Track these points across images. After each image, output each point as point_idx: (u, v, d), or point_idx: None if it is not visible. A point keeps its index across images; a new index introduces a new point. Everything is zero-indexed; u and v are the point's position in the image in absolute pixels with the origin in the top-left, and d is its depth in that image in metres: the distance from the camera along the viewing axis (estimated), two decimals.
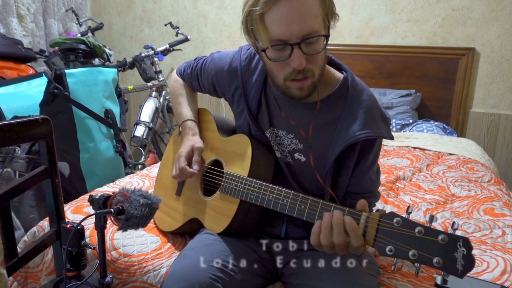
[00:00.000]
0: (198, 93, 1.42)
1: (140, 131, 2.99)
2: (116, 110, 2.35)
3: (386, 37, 3.03)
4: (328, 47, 0.99)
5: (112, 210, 0.90)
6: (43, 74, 2.37)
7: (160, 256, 1.21)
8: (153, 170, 1.91)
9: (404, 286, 1.10)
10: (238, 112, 1.21)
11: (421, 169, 2.16)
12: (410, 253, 0.76)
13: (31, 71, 2.50)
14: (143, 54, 3.05)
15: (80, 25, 3.38)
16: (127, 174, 2.39)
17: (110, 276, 0.95)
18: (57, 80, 2.05)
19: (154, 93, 3.24)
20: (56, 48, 2.70)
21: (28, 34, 3.10)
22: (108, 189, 1.66)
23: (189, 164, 1.19)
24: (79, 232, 0.98)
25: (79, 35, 3.17)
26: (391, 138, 1.07)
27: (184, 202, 1.28)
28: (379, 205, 1.66)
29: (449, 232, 0.75)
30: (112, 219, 0.93)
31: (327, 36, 0.96)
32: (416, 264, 0.77)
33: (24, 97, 2.13)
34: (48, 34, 3.33)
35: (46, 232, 1.19)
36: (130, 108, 3.77)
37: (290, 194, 0.98)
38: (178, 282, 0.97)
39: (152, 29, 3.68)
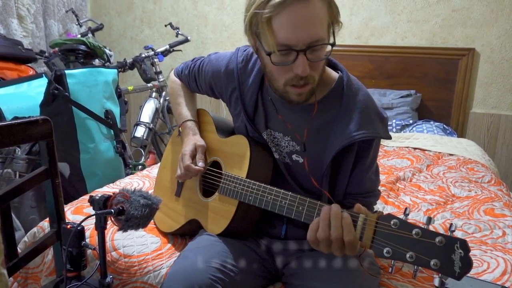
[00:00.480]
0: (198, 94, 1.42)
1: (140, 131, 2.99)
2: (116, 110, 2.35)
3: (386, 38, 3.04)
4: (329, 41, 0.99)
5: (112, 210, 0.90)
6: (43, 75, 2.38)
7: (160, 256, 1.21)
8: (153, 170, 1.91)
9: (404, 286, 1.10)
10: (236, 113, 1.21)
11: (421, 169, 2.16)
12: (408, 255, 0.75)
13: (31, 72, 2.50)
14: (143, 55, 3.05)
15: (80, 26, 3.38)
16: (127, 174, 2.39)
17: (111, 276, 0.95)
18: (57, 81, 2.05)
19: (154, 94, 3.24)
20: (56, 49, 2.70)
21: (28, 35, 3.11)
22: (108, 189, 1.66)
23: (194, 163, 1.19)
24: (80, 232, 0.98)
25: (79, 36, 3.17)
26: (389, 138, 1.07)
27: (183, 203, 1.28)
28: (379, 205, 1.66)
29: (447, 234, 0.75)
30: (113, 219, 0.93)
31: (332, 44, 0.96)
32: (415, 266, 0.77)
33: (24, 98, 2.14)
34: (48, 35, 3.34)
35: (46, 232, 1.19)
36: (130, 108, 3.77)
37: (288, 196, 0.98)
38: (178, 283, 0.97)
39: (152, 29, 3.68)
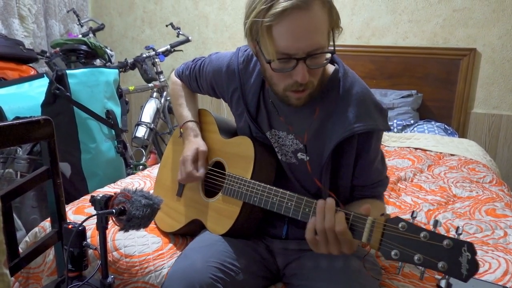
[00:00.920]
0: (199, 94, 1.41)
1: (141, 131, 3.00)
2: (117, 110, 2.35)
3: (387, 38, 3.03)
4: (329, 47, 0.99)
5: (113, 210, 0.91)
6: (45, 75, 2.38)
7: (161, 256, 1.21)
8: (154, 170, 1.91)
9: (405, 287, 1.10)
10: (238, 114, 1.21)
11: (423, 169, 2.15)
12: (415, 257, 0.77)
13: (32, 72, 2.50)
14: (144, 55, 3.05)
15: (81, 26, 3.38)
16: (128, 174, 2.39)
17: (112, 276, 0.95)
18: (59, 81, 2.05)
19: (155, 94, 3.25)
20: (58, 49, 2.70)
21: (30, 35, 3.11)
22: (110, 189, 1.66)
23: (195, 167, 1.19)
24: (81, 232, 0.98)
25: (80, 36, 3.17)
26: (388, 129, 1.07)
27: (185, 203, 1.28)
28: None
29: (453, 236, 0.75)
30: (114, 219, 0.93)
31: (332, 53, 0.96)
32: (421, 268, 0.78)
33: (25, 98, 2.14)
34: (49, 35, 3.34)
35: (48, 232, 1.19)
36: (131, 108, 3.77)
37: (294, 197, 0.98)
38: (178, 282, 0.97)
39: (153, 30, 3.69)
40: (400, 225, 0.80)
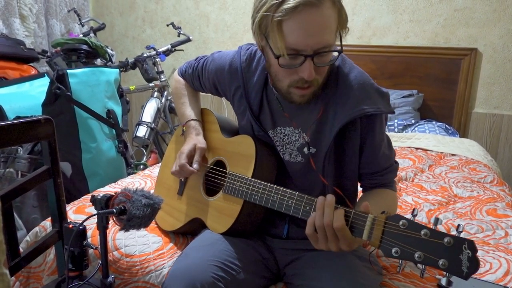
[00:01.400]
0: (200, 93, 1.42)
1: (142, 131, 3.00)
2: (118, 110, 2.35)
3: (388, 38, 3.03)
4: (335, 47, 0.99)
5: (114, 210, 0.91)
6: (45, 74, 2.38)
7: (162, 256, 1.21)
8: (155, 170, 1.91)
9: (406, 286, 1.10)
10: (240, 112, 1.21)
11: (424, 169, 2.15)
12: (416, 255, 0.77)
13: (33, 72, 2.50)
14: (145, 55, 3.05)
15: (82, 26, 3.39)
16: (129, 174, 2.39)
17: (112, 276, 0.95)
18: (59, 81, 2.06)
19: (156, 94, 3.25)
20: (58, 48, 2.70)
21: (31, 34, 3.11)
22: (110, 189, 1.66)
23: (190, 162, 1.20)
24: (81, 232, 0.98)
25: (81, 35, 3.18)
26: (391, 112, 1.06)
27: (186, 202, 1.28)
28: None
29: (454, 234, 0.75)
30: (114, 219, 0.93)
31: (340, 52, 0.97)
32: (422, 266, 0.78)
33: (26, 98, 2.14)
34: (50, 35, 3.34)
35: (48, 232, 1.19)
36: (132, 108, 3.77)
37: (294, 195, 0.98)
38: (179, 281, 0.97)
39: (154, 29, 3.69)
40: (400, 223, 0.80)
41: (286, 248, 1.16)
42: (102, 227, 0.92)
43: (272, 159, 1.16)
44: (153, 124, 3.07)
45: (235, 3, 3.39)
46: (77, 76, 2.10)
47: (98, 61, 2.91)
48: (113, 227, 1.28)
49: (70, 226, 0.99)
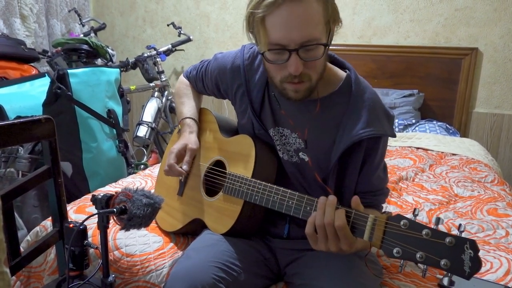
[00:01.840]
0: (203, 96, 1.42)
1: (142, 131, 3.00)
2: (118, 110, 2.35)
3: (388, 37, 3.03)
4: (330, 47, 0.99)
5: (114, 209, 0.91)
6: (46, 74, 2.38)
7: (162, 256, 1.21)
8: (155, 170, 1.91)
9: (407, 286, 1.10)
10: (241, 111, 1.21)
11: (424, 169, 2.15)
12: (418, 255, 0.76)
13: (34, 71, 2.50)
14: (145, 54, 3.05)
15: (83, 26, 3.39)
16: (129, 174, 2.40)
17: (113, 275, 0.95)
18: (60, 80, 2.06)
19: (156, 93, 3.25)
20: (59, 48, 2.70)
21: (31, 34, 3.11)
22: (111, 189, 1.66)
23: (180, 162, 1.20)
24: (82, 231, 0.98)
25: (81, 35, 3.18)
26: (394, 136, 1.07)
27: (186, 202, 1.28)
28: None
29: (456, 234, 0.75)
30: (115, 218, 0.93)
31: (326, 45, 0.95)
32: (423, 266, 0.78)
33: (27, 97, 2.14)
34: (51, 35, 3.34)
35: (49, 231, 1.19)
36: (133, 108, 3.77)
37: (295, 196, 0.98)
38: (181, 282, 0.97)
39: (155, 29, 3.69)
40: (401, 223, 0.80)
41: (286, 248, 1.16)
42: (103, 226, 0.92)
43: (272, 159, 1.16)
44: (154, 124, 3.07)
45: (236, 3, 3.39)
46: (78, 76, 2.10)
47: (99, 61, 2.91)
48: (113, 227, 1.28)
49: (71, 225, 0.99)
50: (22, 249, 1.05)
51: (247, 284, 1.05)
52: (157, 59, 3.16)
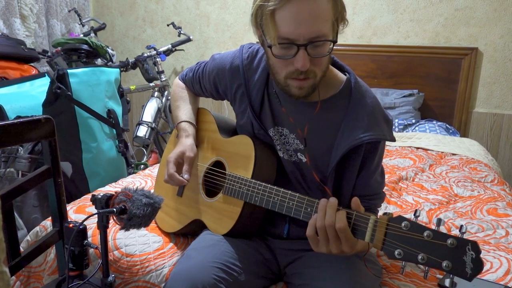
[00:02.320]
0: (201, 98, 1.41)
1: (142, 131, 3.00)
2: (118, 110, 2.35)
3: (388, 37, 3.03)
4: (333, 39, 0.99)
5: (114, 209, 0.90)
6: (46, 74, 2.38)
7: (162, 256, 1.21)
8: (155, 170, 1.91)
9: (407, 286, 1.10)
10: (241, 111, 1.21)
11: (424, 169, 2.15)
12: (419, 256, 0.76)
13: (34, 71, 2.51)
14: (145, 54, 3.05)
15: (83, 26, 3.39)
16: (129, 174, 2.40)
17: (113, 275, 0.95)
18: (60, 80, 2.06)
19: (156, 93, 3.25)
20: (59, 48, 2.70)
21: (31, 34, 3.11)
22: (111, 189, 1.66)
23: (179, 170, 1.18)
24: (82, 231, 0.98)
25: (81, 35, 3.18)
26: (393, 140, 1.07)
27: (185, 203, 1.28)
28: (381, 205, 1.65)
29: (457, 235, 0.75)
30: (115, 218, 0.93)
31: (334, 41, 0.96)
32: (425, 267, 0.77)
33: (27, 97, 2.14)
34: (50, 35, 3.34)
35: (49, 231, 1.19)
36: (133, 108, 3.77)
37: (295, 197, 0.98)
38: (181, 282, 0.97)
39: (155, 29, 3.69)
40: (403, 224, 0.79)
41: (286, 248, 1.16)
42: (103, 226, 0.92)
43: (272, 159, 1.15)
44: (154, 124, 3.07)
45: (236, 3, 3.39)
46: (78, 76, 2.10)
47: (99, 61, 2.91)
48: (113, 227, 1.28)
49: (71, 225, 0.99)
50: (22, 249, 1.05)
51: (248, 284, 1.05)
52: (157, 59, 3.16)
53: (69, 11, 3.45)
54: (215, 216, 1.17)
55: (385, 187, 1.80)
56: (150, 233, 1.30)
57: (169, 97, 3.28)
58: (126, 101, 2.55)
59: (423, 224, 0.79)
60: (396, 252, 0.79)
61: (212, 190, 1.22)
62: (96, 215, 0.91)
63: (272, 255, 1.17)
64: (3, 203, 0.93)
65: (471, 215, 1.57)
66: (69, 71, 2.07)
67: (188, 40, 3.23)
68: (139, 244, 1.24)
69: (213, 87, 1.27)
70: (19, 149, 2.00)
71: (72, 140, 2.10)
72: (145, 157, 3.05)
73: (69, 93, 2.05)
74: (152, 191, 0.99)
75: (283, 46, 0.94)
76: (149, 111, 3.09)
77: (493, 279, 1.12)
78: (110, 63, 2.80)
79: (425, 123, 2.78)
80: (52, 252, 1.30)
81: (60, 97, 2.05)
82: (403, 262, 0.81)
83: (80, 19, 3.31)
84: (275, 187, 1.03)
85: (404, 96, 2.86)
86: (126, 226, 0.92)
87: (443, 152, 2.41)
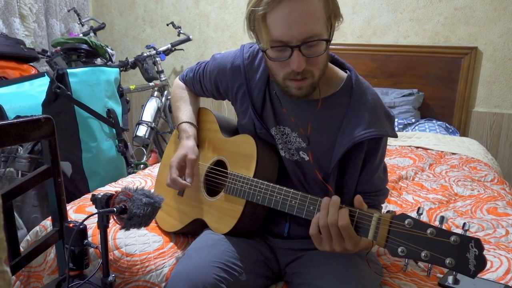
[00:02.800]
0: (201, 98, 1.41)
1: (142, 130, 3.00)
2: (118, 109, 2.35)
3: (388, 37, 3.03)
4: (330, 46, 0.99)
5: (114, 209, 0.90)
6: (46, 74, 2.38)
7: (162, 255, 1.21)
8: (155, 169, 1.91)
9: (407, 285, 1.10)
10: (242, 110, 1.20)
11: (424, 168, 2.15)
12: (422, 254, 0.77)
13: (33, 71, 2.50)
14: (145, 54, 3.05)
15: (82, 25, 3.38)
16: (129, 173, 2.40)
17: (113, 275, 0.95)
18: (60, 80, 2.05)
19: (156, 93, 3.25)
20: (58, 48, 2.70)
21: (31, 34, 3.11)
22: (111, 188, 1.66)
23: (182, 173, 1.18)
24: (82, 231, 0.98)
25: (81, 35, 3.18)
26: (395, 136, 1.08)
27: (186, 203, 1.28)
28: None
29: (460, 233, 0.75)
30: (115, 218, 0.93)
31: (328, 40, 0.95)
32: (429, 264, 0.78)
33: (26, 97, 2.14)
34: (50, 34, 3.34)
35: (49, 231, 1.19)
36: (132, 108, 3.77)
37: (298, 195, 0.98)
38: (182, 282, 0.96)
39: (154, 29, 3.68)
40: (406, 222, 0.80)
41: (287, 248, 1.16)
42: (103, 226, 0.92)
43: (274, 158, 1.15)
44: (153, 124, 3.07)
45: (235, 3, 3.38)
46: (77, 75, 2.10)
47: (98, 61, 2.91)
48: (113, 226, 1.28)
49: (71, 225, 0.99)
50: (21, 249, 1.05)
51: (248, 284, 1.05)
52: (157, 59, 3.16)
53: (69, 10, 3.44)
54: (217, 215, 1.17)
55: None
56: (150, 232, 1.30)
57: (169, 97, 3.27)
58: (125, 101, 2.55)
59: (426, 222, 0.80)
60: (399, 250, 0.79)
61: (213, 189, 1.22)
62: (96, 215, 0.91)
63: (273, 254, 1.16)
64: (3, 203, 0.93)
65: (471, 214, 1.57)
66: (68, 70, 2.07)
67: (188, 39, 3.23)
68: (139, 243, 1.24)
69: (214, 87, 1.27)
70: (19, 149, 2.00)
71: (72, 140, 2.10)
72: (145, 156, 3.05)
73: (69, 92, 2.05)
74: (152, 190, 0.99)
75: (277, 48, 0.95)
76: (149, 111, 3.09)
77: (493, 278, 1.12)
78: (110, 62, 2.80)
79: (425, 123, 2.78)
80: (52, 252, 1.29)
81: (59, 97, 2.05)
82: (406, 260, 0.81)
83: (79, 19, 3.30)
84: (278, 186, 1.03)
85: (403, 96, 2.86)
86: (126, 226, 0.92)
87: (443, 152, 2.41)
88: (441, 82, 2.90)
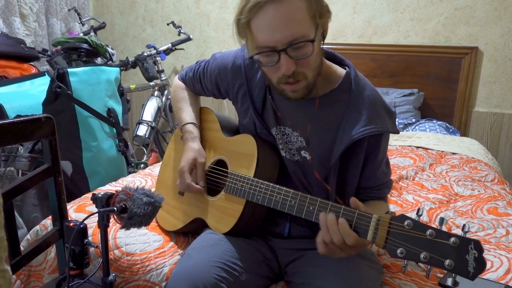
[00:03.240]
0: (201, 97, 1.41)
1: (142, 130, 3.00)
2: (118, 109, 2.35)
3: (388, 36, 3.03)
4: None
5: (115, 208, 0.90)
6: (46, 73, 2.38)
7: (162, 254, 1.21)
8: (156, 169, 1.91)
9: (407, 285, 1.10)
10: (243, 110, 1.20)
11: (424, 168, 2.15)
12: (422, 255, 0.76)
13: (34, 70, 2.50)
14: (145, 54, 3.05)
15: (83, 25, 3.38)
16: (129, 173, 2.39)
17: (113, 274, 0.95)
18: (60, 79, 2.05)
19: (156, 93, 3.25)
20: (59, 47, 2.70)
21: (31, 33, 3.11)
22: (111, 188, 1.66)
23: (193, 178, 1.20)
24: (82, 230, 0.98)
25: (81, 34, 3.18)
26: (397, 132, 1.07)
27: (187, 202, 1.28)
28: None
29: (459, 234, 0.75)
30: (115, 217, 0.92)
31: (313, 41, 0.94)
32: (428, 266, 0.77)
33: (27, 96, 2.14)
34: (50, 34, 3.34)
35: (49, 230, 1.19)
36: (133, 107, 3.77)
37: (298, 195, 0.98)
38: (182, 282, 0.96)
39: (155, 28, 3.68)
40: (405, 223, 0.79)
41: (287, 248, 1.16)
42: (103, 225, 0.91)
43: (274, 159, 1.15)
44: (154, 123, 3.07)
45: (236, 2, 3.37)
46: (78, 75, 2.10)
47: (99, 60, 2.91)
48: (114, 226, 1.28)
49: (71, 224, 0.99)
50: (22, 248, 1.05)
51: (249, 284, 1.05)
52: (157, 58, 3.16)
53: (69, 10, 3.44)
54: (217, 215, 1.17)
55: None
56: (150, 232, 1.30)
57: (169, 96, 3.27)
58: (126, 100, 2.55)
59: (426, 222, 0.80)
60: (398, 251, 0.79)
61: (214, 189, 1.22)
62: (97, 214, 0.91)
63: (273, 254, 1.16)
64: (3, 202, 0.93)
65: (472, 214, 1.57)
66: (69, 70, 2.07)
67: (188, 39, 3.23)
68: (140, 243, 1.24)
69: (215, 86, 1.27)
70: (19, 148, 2.00)
71: (72, 139, 2.10)
72: (145, 156, 3.05)
73: (69, 92, 2.05)
74: (152, 190, 0.99)
75: (265, 54, 0.95)
76: (149, 110, 3.09)
77: (493, 278, 1.12)
78: (110, 62, 2.80)
79: (425, 122, 2.78)
80: (52, 251, 1.29)
81: (60, 96, 2.05)
82: (405, 261, 0.81)
83: (80, 18, 3.30)
84: (278, 186, 1.03)
85: (404, 96, 2.86)
86: (126, 225, 0.92)
87: (443, 151, 2.41)
88: (441, 82, 2.90)
